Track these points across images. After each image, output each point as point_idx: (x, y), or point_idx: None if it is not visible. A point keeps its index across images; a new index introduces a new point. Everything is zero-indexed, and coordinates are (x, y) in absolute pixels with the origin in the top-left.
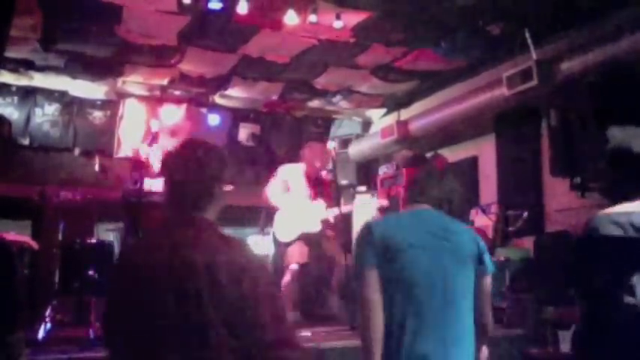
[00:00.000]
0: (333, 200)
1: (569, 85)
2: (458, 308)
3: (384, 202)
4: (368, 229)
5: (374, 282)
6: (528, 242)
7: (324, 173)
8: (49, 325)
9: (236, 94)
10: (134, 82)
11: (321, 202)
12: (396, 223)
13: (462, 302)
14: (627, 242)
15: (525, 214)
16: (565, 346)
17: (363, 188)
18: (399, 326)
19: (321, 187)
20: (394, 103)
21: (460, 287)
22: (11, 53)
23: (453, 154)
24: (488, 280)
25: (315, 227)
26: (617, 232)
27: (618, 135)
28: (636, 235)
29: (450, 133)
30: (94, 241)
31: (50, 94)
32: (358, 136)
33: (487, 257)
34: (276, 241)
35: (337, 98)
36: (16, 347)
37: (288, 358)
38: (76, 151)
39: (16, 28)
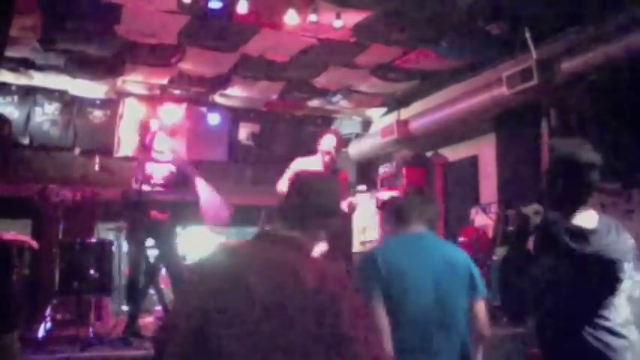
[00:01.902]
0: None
1: (569, 85)
2: (456, 329)
3: (386, 196)
4: (372, 259)
5: (381, 312)
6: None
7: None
8: (49, 325)
9: (236, 94)
10: (134, 81)
11: None
12: (399, 249)
13: (460, 324)
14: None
15: None
16: None
17: (363, 187)
18: (401, 349)
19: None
20: (394, 103)
21: (458, 310)
22: (11, 52)
23: (453, 153)
24: (482, 303)
25: None
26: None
27: (562, 146)
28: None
29: (450, 133)
30: (94, 240)
31: (50, 94)
32: (358, 136)
33: (479, 282)
34: None
35: (337, 97)
36: (12, 347)
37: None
38: (76, 151)
39: (16, 27)
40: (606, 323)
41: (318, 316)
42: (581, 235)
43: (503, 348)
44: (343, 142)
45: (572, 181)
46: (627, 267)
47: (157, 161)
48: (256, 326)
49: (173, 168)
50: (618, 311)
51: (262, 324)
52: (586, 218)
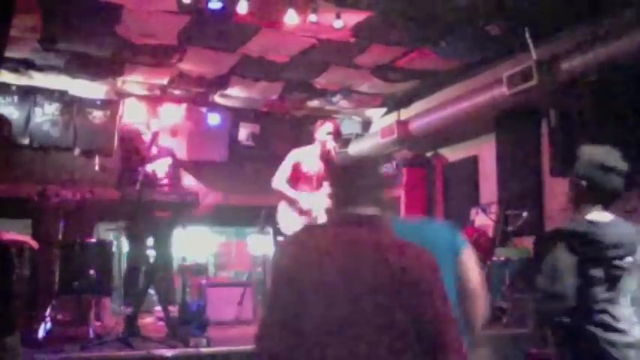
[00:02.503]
0: None
1: (569, 85)
2: None
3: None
4: None
5: None
6: (528, 242)
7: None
8: (49, 325)
9: (236, 94)
10: (134, 81)
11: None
12: None
13: None
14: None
15: (525, 214)
16: None
17: None
18: None
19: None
20: (394, 103)
21: None
22: (11, 53)
23: (453, 153)
24: (465, 255)
25: (322, 218)
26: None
27: (588, 151)
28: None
29: (450, 133)
30: (94, 240)
31: (50, 94)
32: (358, 136)
33: (458, 239)
34: (276, 239)
35: (337, 98)
36: (14, 349)
37: None
38: (76, 151)
39: (16, 28)
40: (610, 320)
41: (402, 294)
42: (587, 224)
43: (503, 348)
44: (341, 131)
45: (591, 183)
46: (631, 261)
47: (156, 159)
48: (342, 307)
49: (170, 160)
50: (622, 309)
51: (348, 304)
52: (599, 215)
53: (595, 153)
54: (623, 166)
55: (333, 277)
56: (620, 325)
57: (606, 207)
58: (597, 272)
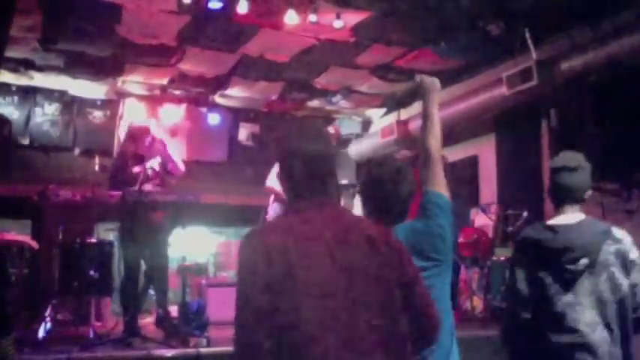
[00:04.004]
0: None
1: (569, 85)
2: None
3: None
4: None
5: None
6: None
7: None
8: (49, 325)
9: (236, 94)
10: (134, 81)
11: None
12: None
13: None
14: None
15: (525, 214)
16: None
17: None
18: None
19: None
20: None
21: None
22: (11, 53)
23: (453, 153)
24: None
25: None
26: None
27: (555, 158)
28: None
29: (450, 133)
30: (94, 241)
31: (50, 94)
32: (358, 136)
33: None
34: None
35: (337, 98)
36: (9, 351)
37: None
38: (76, 151)
39: (16, 28)
40: (569, 324)
41: (390, 268)
42: (550, 229)
43: (502, 348)
44: (341, 139)
45: (552, 185)
46: (585, 263)
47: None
48: (337, 287)
49: (159, 159)
50: (584, 312)
51: (343, 283)
52: (566, 218)
53: (558, 158)
54: (585, 166)
55: (323, 261)
56: (580, 328)
57: (576, 207)
58: (548, 277)
